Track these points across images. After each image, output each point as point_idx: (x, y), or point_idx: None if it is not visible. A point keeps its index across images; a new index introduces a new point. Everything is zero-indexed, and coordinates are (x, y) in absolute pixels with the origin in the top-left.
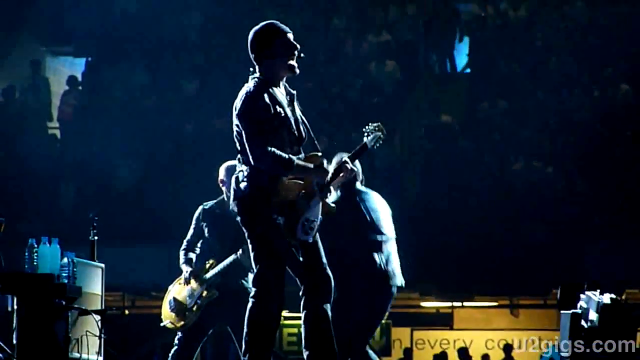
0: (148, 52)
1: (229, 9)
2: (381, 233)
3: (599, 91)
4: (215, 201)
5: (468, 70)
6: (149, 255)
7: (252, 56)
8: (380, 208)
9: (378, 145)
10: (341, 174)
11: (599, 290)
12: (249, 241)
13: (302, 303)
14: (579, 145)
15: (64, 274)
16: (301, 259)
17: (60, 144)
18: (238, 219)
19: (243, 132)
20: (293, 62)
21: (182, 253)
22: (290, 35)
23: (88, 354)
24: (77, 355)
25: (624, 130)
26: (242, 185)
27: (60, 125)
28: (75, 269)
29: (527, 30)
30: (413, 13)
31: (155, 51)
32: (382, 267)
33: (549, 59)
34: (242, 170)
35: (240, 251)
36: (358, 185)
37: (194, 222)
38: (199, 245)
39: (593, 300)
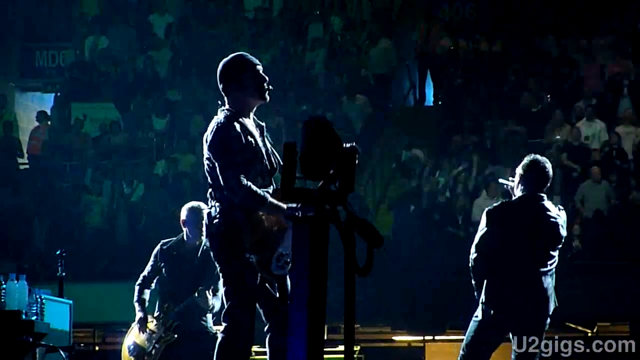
0: (118, 87)
1: (197, 46)
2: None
3: (571, 125)
4: (174, 240)
5: (436, 103)
6: (120, 291)
7: (220, 87)
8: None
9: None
10: None
11: None
12: (220, 275)
13: (267, 339)
14: (552, 180)
15: (31, 311)
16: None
17: (29, 180)
18: (204, 253)
19: (216, 165)
20: (262, 92)
21: (136, 289)
22: (260, 67)
23: None
24: None
25: (597, 164)
26: (215, 221)
27: (29, 161)
28: (43, 306)
29: (500, 64)
30: (387, 47)
31: (125, 87)
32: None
33: (521, 94)
34: (214, 206)
35: (196, 294)
36: (545, 197)
37: (152, 258)
38: (154, 281)
39: None
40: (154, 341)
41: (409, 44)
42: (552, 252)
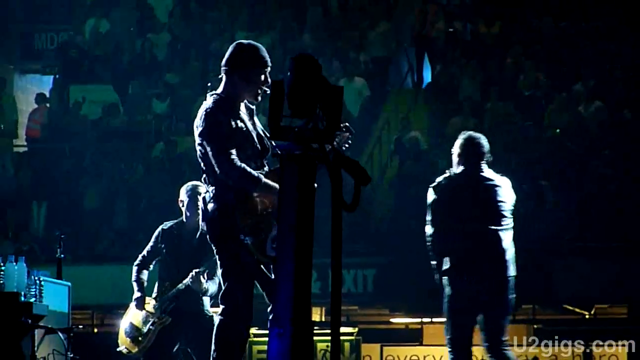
0: (116, 70)
1: (195, 29)
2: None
3: (570, 107)
4: (174, 222)
5: (432, 86)
6: (119, 274)
7: (224, 68)
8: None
9: (347, 146)
10: None
11: None
12: (217, 258)
13: (270, 319)
14: (550, 162)
15: (30, 292)
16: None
17: (28, 162)
18: (203, 235)
19: (208, 150)
20: (259, 93)
21: (135, 269)
22: (269, 69)
23: None
24: None
25: (595, 146)
26: (210, 206)
27: (28, 143)
28: (41, 288)
29: (497, 47)
30: (386, 30)
31: (123, 70)
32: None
33: (519, 76)
34: (208, 191)
35: (190, 277)
36: (485, 167)
37: (152, 240)
38: (153, 263)
39: None
40: (149, 323)
41: (408, 27)
42: (503, 212)
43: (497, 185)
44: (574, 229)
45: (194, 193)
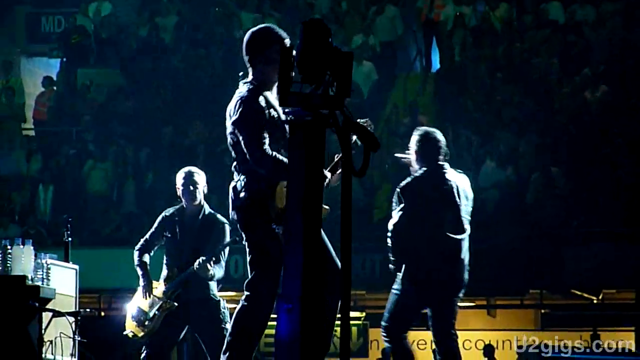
0: (123, 53)
1: (201, 13)
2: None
3: (577, 92)
4: (175, 207)
5: (440, 70)
6: (126, 257)
7: (245, 58)
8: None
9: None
10: (339, 171)
11: None
12: (246, 245)
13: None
14: (558, 148)
15: (37, 276)
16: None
17: (35, 146)
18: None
19: (240, 138)
20: None
21: (136, 253)
22: (287, 41)
23: (62, 355)
24: (51, 357)
25: (603, 131)
26: (242, 194)
27: (35, 126)
28: (49, 271)
29: (505, 31)
30: (394, 14)
31: (130, 53)
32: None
33: (527, 61)
34: (239, 180)
35: (196, 264)
36: (446, 166)
37: (155, 224)
38: (155, 247)
39: None
40: (155, 307)
41: (415, 11)
42: (462, 217)
43: (458, 187)
44: (583, 214)
45: (188, 178)
